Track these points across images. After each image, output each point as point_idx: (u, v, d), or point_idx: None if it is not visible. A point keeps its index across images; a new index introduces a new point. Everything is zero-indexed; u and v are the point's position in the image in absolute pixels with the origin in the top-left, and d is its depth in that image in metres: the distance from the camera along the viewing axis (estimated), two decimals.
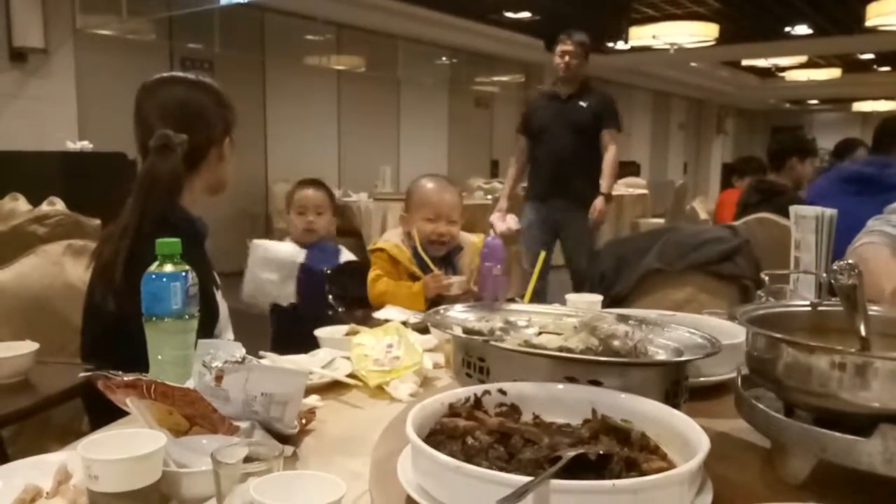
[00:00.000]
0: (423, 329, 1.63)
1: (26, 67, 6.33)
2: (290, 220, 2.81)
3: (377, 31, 9.52)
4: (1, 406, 1.45)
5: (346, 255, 2.75)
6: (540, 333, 1.17)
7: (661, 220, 8.82)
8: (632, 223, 9.43)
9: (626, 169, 12.02)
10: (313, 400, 1.26)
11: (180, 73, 1.82)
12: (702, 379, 1.22)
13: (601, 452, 0.79)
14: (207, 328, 1.46)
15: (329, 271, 2.50)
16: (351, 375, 1.39)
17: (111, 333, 1.52)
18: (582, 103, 4.51)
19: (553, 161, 4.52)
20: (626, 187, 10.14)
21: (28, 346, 1.61)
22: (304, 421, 1.15)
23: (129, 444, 0.86)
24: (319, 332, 1.64)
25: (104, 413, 1.13)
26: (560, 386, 0.99)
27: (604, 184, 4.50)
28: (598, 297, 1.80)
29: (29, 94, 6.34)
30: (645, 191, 10.28)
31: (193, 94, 1.71)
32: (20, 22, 6.14)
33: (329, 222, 2.81)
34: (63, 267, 2.18)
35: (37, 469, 0.96)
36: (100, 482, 0.82)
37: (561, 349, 1.05)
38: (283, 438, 1.04)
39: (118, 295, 1.49)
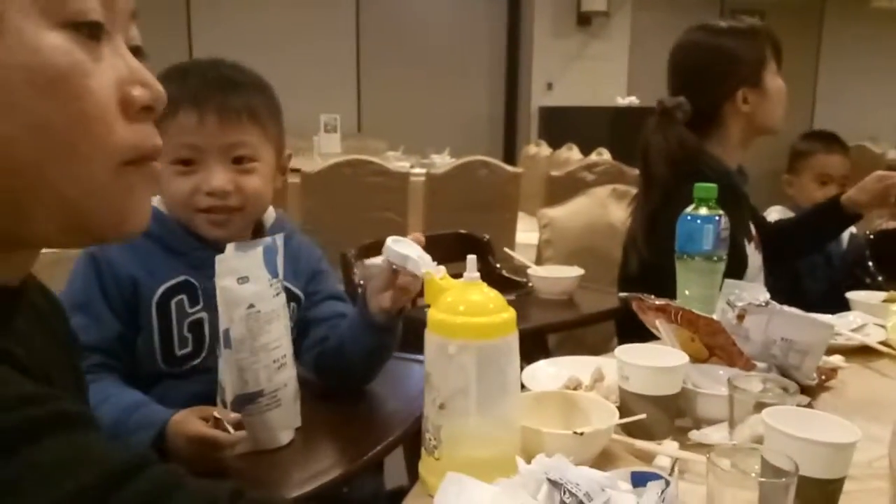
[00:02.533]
0: None
1: (589, 30, 7.04)
2: (799, 184, 2.25)
3: None
4: (551, 316, 1.75)
5: None
6: None
7: None
8: None
9: None
10: (837, 360, 1.22)
11: (708, 23, 1.73)
12: None
13: None
14: (735, 277, 1.48)
15: (873, 237, 2.26)
16: (884, 343, 1.29)
17: (644, 272, 1.64)
18: None
19: None
20: None
21: (575, 271, 1.88)
22: (823, 377, 1.12)
23: (657, 357, 0.98)
24: (853, 295, 1.54)
25: (633, 338, 1.27)
26: None
27: None
28: None
29: (589, 55, 7.05)
30: None
31: (707, 45, 1.67)
32: None
33: None
34: (607, 208, 2.45)
35: (578, 365, 1.15)
36: (630, 382, 0.95)
37: None
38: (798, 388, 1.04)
39: (650, 252, 1.61)
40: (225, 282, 0.92)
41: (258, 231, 1.14)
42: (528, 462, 0.78)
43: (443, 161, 4.36)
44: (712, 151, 1.65)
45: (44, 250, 0.54)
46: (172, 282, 1.05)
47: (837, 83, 7.96)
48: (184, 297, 1.05)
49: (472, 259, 0.84)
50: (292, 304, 1.12)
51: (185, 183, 1.04)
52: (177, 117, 1.02)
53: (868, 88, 8.07)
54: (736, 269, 1.55)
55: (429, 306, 0.84)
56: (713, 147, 1.66)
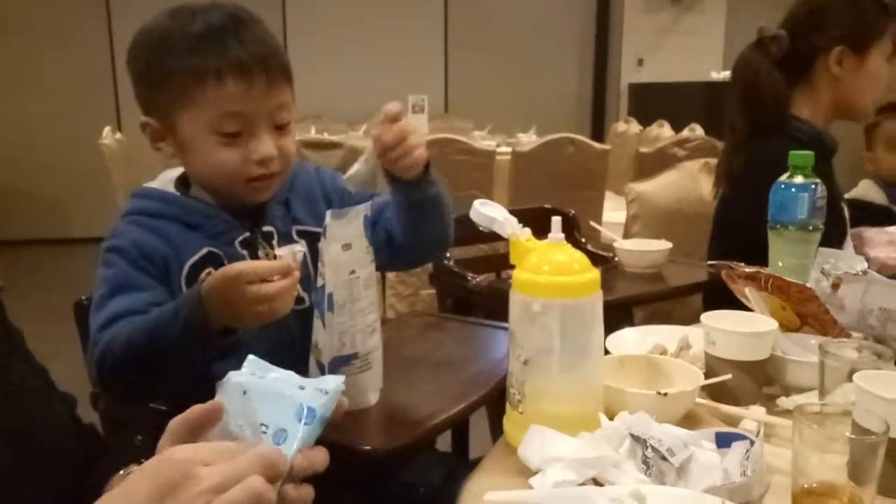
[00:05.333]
0: None
1: (683, 3, 6.82)
2: (874, 158, 2.22)
3: None
4: (639, 289, 1.74)
5: None
6: None
7: None
8: None
9: None
10: None
11: None
12: None
13: None
14: (834, 244, 1.40)
15: None
16: None
17: (741, 249, 1.61)
18: None
19: None
20: None
21: (663, 245, 1.85)
22: None
23: (744, 323, 0.97)
24: None
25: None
26: None
27: None
28: None
29: (682, 29, 6.84)
30: None
31: None
32: None
33: None
34: (698, 183, 2.40)
35: (663, 334, 1.15)
36: (716, 347, 0.95)
37: None
38: None
39: (734, 200, 1.58)
40: (333, 247, 0.96)
41: None
42: (611, 421, 0.79)
43: (529, 140, 4.34)
44: (801, 113, 1.60)
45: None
46: (197, 256, 1.03)
47: None
48: (211, 269, 1.00)
49: (556, 220, 0.86)
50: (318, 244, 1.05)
51: (233, 153, 1.02)
52: (223, 85, 0.98)
53: None
54: (836, 236, 1.49)
55: (514, 267, 0.86)
56: (801, 106, 1.61)
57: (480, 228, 0.91)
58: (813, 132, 1.58)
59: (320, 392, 0.64)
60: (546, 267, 0.82)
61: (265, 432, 0.62)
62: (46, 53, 6.15)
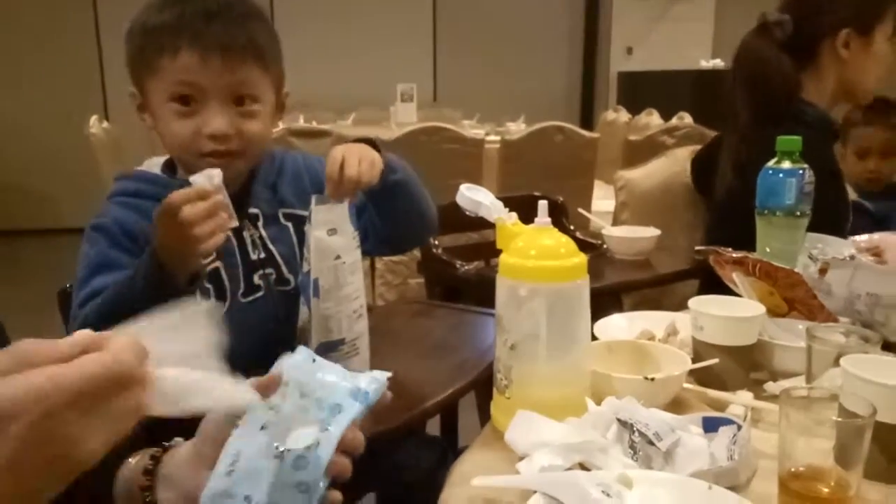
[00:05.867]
0: None
1: None
2: (844, 157, 2.12)
3: None
4: (628, 275, 1.74)
5: None
6: None
7: None
8: None
9: None
10: None
11: None
12: None
13: None
14: (837, 230, 1.35)
15: None
16: None
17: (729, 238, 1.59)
18: None
19: None
20: None
21: (651, 231, 1.85)
22: None
23: (732, 307, 0.97)
24: None
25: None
26: None
27: None
28: None
29: (671, 17, 6.83)
30: None
31: None
32: None
33: None
34: (686, 169, 2.38)
35: (651, 320, 1.14)
36: (703, 332, 0.95)
37: None
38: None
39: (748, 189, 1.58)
40: (318, 232, 0.95)
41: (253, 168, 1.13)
42: (598, 406, 0.79)
43: (518, 129, 4.33)
44: (807, 97, 1.59)
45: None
46: None
47: None
48: None
49: (542, 204, 0.85)
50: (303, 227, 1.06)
51: (186, 126, 1.02)
52: (177, 56, 0.99)
53: None
54: (838, 222, 1.48)
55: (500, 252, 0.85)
56: (807, 89, 1.59)
57: (467, 213, 0.90)
58: (819, 115, 1.57)
59: (372, 379, 0.68)
60: (533, 251, 0.82)
61: (322, 406, 0.65)
62: (33, 44, 6.08)
